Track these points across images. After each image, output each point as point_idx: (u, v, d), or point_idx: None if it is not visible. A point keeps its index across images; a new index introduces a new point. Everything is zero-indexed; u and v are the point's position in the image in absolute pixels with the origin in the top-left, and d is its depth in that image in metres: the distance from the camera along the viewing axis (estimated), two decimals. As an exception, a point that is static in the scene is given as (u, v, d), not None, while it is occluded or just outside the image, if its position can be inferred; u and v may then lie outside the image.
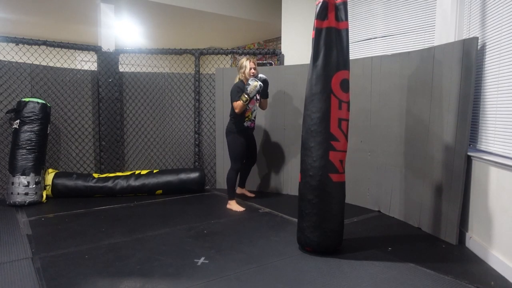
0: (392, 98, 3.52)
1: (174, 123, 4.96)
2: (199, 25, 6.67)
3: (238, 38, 7.87)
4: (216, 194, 4.44)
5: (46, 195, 4.05)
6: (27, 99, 3.90)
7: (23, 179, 3.78)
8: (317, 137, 2.53)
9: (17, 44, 4.13)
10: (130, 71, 4.81)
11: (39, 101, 3.93)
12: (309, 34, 3.93)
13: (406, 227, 3.28)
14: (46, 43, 4.29)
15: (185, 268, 2.39)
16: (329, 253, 2.61)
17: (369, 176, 3.80)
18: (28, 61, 4.34)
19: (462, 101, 2.76)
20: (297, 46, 4.78)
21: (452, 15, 3.09)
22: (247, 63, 3.62)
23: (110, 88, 4.62)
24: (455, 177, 2.81)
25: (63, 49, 4.42)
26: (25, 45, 4.25)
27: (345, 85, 2.56)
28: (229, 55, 5.10)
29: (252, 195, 4.25)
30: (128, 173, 4.37)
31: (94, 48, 4.63)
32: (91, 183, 4.17)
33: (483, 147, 2.72)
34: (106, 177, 4.26)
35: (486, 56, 2.70)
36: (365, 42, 4.12)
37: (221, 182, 4.73)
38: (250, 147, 3.92)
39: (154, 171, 4.42)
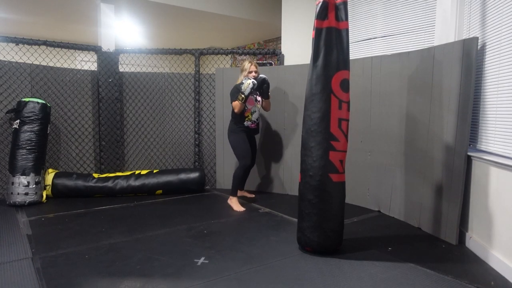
0: (392, 98, 3.52)
1: (174, 123, 4.96)
2: (199, 25, 6.67)
3: (238, 38, 7.87)
4: (216, 194, 4.44)
5: (46, 195, 4.05)
6: (27, 99, 3.90)
7: (23, 179, 3.78)
8: (317, 137, 2.53)
9: (17, 44, 4.13)
10: (130, 71, 4.81)
11: (39, 101, 3.93)
12: (309, 34, 3.93)
13: (406, 227, 3.28)
14: (46, 43, 4.29)
15: (185, 268, 2.39)
16: (329, 253, 2.61)
17: (369, 176, 3.80)
18: (28, 61, 4.34)
19: (462, 101, 2.76)
20: (297, 46, 4.78)
21: (452, 15, 3.09)
22: (248, 66, 3.77)
23: (110, 88, 4.62)
24: (455, 177, 2.81)
25: (63, 49, 4.43)
26: (25, 45, 4.25)
27: (345, 85, 2.56)
28: (229, 55, 5.10)
29: (252, 195, 4.25)
30: (128, 173, 4.37)
31: (94, 48, 4.63)
32: (91, 183, 4.17)
33: (483, 147, 2.72)
34: (106, 177, 4.26)
35: (486, 56, 2.70)
36: (365, 42, 4.12)
37: (221, 182, 4.74)
38: (250, 148, 3.92)
39: (154, 171, 4.42)
